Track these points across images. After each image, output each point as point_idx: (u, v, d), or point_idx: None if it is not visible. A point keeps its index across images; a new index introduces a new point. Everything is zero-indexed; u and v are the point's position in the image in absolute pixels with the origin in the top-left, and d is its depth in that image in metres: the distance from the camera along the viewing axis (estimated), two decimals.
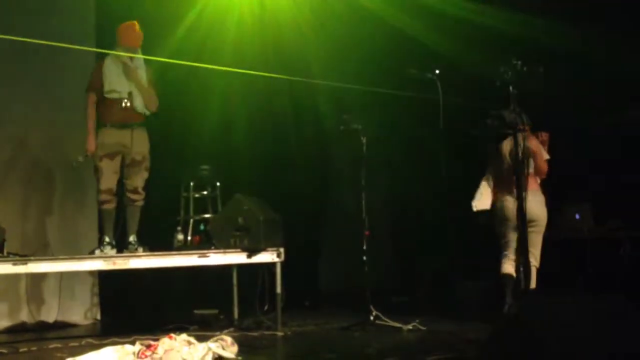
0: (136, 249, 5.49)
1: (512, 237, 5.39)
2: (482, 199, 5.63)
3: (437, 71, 5.52)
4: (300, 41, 6.94)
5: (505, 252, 5.45)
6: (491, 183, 5.67)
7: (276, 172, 7.27)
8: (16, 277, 5.67)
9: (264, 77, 5.96)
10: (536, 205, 5.27)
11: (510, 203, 5.34)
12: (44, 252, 5.83)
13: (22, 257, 5.17)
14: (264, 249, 5.40)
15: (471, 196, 5.68)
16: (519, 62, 4.66)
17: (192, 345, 4.22)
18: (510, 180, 5.19)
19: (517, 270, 5.18)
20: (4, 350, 4.83)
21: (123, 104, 5.53)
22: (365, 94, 6.59)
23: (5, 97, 5.98)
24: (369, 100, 6.84)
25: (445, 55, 6.36)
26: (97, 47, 6.09)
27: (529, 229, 4.98)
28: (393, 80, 6.28)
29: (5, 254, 5.12)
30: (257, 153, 7.17)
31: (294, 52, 6.91)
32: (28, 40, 5.01)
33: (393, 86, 6.17)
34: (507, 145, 5.48)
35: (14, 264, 4.94)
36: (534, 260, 5.24)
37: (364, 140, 5.63)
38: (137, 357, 4.12)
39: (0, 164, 5.98)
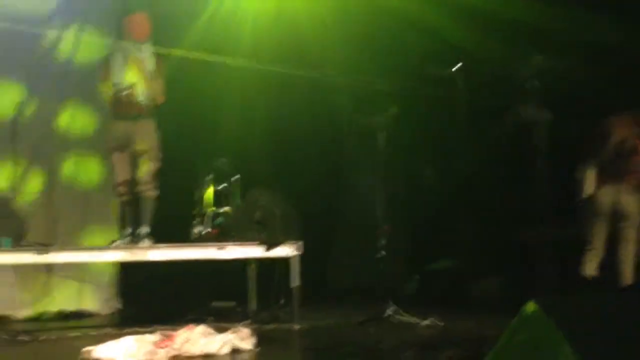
0: (141, 241, 5.50)
1: (601, 231, 5.24)
2: (588, 185, 5.37)
3: (457, 66, 5.48)
4: (317, 35, 6.93)
5: (591, 247, 5.30)
6: (593, 173, 5.41)
7: (293, 166, 7.28)
8: (37, 266, 5.74)
9: (282, 72, 5.98)
10: (633, 200, 5.12)
11: (607, 196, 5.21)
12: (64, 242, 5.91)
13: (44, 246, 5.23)
14: (281, 243, 5.42)
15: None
16: (541, 56, 4.62)
17: (210, 337, 4.26)
18: (611, 173, 5.06)
19: (600, 266, 5.06)
20: (25, 339, 4.89)
21: (125, 96, 5.57)
22: (384, 89, 6.58)
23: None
24: (387, 95, 6.82)
25: (467, 49, 6.30)
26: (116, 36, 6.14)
27: (623, 224, 4.89)
28: (413, 74, 6.25)
29: (27, 243, 5.19)
30: (275, 147, 7.19)
31: (311, 46, 6.90)
32: None
33: (413, 81, 6.15)
34: (617, 135, 5.28)
35: (36, 254, 5.00)
36: (629, 256, 5.11)
37: (382, 135, 5.63)
38: (157, 347, 4.17)
39: (26, 152, 6.04)
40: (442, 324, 5.20)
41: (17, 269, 5.77)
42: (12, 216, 5.12)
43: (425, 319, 5.26)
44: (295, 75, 6.15)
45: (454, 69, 5.65)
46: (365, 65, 7.03)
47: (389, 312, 5.37)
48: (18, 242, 5.01)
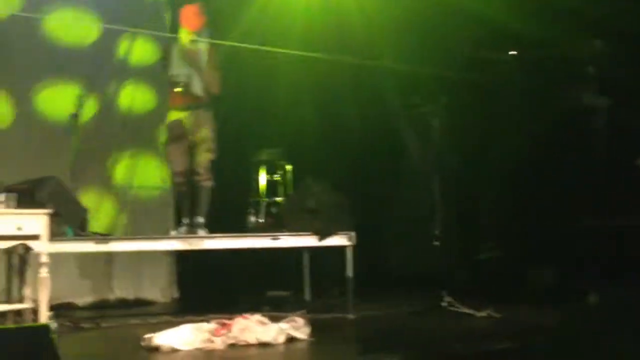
0: (198, 231, 5.56)
1: None
2: None
3: (511, 53, 5.37)
4: (366, 22, 6.86)
5: None
6: None
7: (345, 155, 7.27)
8: (98, 255, 5.90)
9: (333, 60, 5.96)
10: None
11: None
12: (123, 231, 6.07)
13: (104, 236, 5.37)
14: (335, 233, 5.44)
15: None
16: (600, 41, 4.48)
17: (265, 326, 4.32)
18: None
19: None
20: (87, 325, 5.05)
21: (180, 87, 5.64)
22: (435, 76, 6.48)
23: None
24: (439, 81, 6.73)
25: (522, 34, 6.15)
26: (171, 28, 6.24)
27: None
28: (465, 60, 6.15)
29: (87, 232, 5.33)
30: (327, 136, 7.19)
31: (360, 34, 6.84)
32: None
33: (465, 67, 6.04)
34: None
35: (97, 243, 5.13)
36: None
37: (434, 122, 5.57)
38: (214, 335, 4.24)
39: (84, 140, 6.22)
40: (499, 315, 5.14)
41: (78, 257, 5.94)
42: (74, 206, 5.26)
43: (480, 310, 5.21)
44: (345, 63, 6.11)
45: (508, 54, 5.54)
46: (417, 52, 6.94)
47: (444, 302, 5.34)
48: (80, 231, 5.15)
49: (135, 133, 6.52)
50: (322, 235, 5.43)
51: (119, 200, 6.39)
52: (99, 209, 6.19)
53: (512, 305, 5.48)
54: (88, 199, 5.98)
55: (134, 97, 6.52)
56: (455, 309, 5.30)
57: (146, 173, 6.58)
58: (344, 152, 7.28)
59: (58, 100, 6.10)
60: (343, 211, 5.61)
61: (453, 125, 6.93)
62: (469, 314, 5.21)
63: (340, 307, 5.47)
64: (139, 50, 6.53)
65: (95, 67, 6.31)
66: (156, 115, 6.38)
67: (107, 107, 6.40)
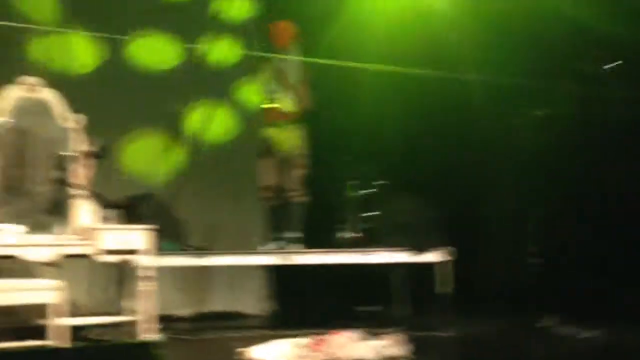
0: (292, 246, 5.62)
1: None
2: None
3: (613, 65, 5.17)
4: (454, 34, 6.77)
5: None
6: None
7: (437, 170, 7.16)
8: (195, 267, 6.03)
9: (422, 74, 5.91)
10: None
11: None
12: (217, 245, 6.17)
13: (203, 250, 5.50)
14: (429, 249, 5.38)
15: None
16: None
17: (363, 342, 4.29)
18: None
19: None
20: (186, 337, 5.16)
21: (269, 104, 5.68)
22: (528, 88, 6.31)
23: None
24: (532, 94, 6.55)
25: (624, 44, 5.89)
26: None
27: None
28: (560, 72, 5.96)
29: (186, 246, 5.48)
30: (418, 151, 7.11)
31: (448, 46, 6.74)
32: None
33: (560, 79, 5.86)
34: None
35: (197, 257, 5.27)
36: None
37: (528, 136, 5.43)
38: (309, 351, 4.25)
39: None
40: (603, 335, 4.94)
41: (175, 269, 6.08)
42: (172, 221, 5.42)
43: (583, 329, 5.02)
44: (433, 76, 6.05)
45: (607, 67, 5.33)
46: (508, 63, 6.79)
47: (545, 321, 5.17)
48: (179, 246, 5.30)
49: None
50: (417, 251, 5.38)
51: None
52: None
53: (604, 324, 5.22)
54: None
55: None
56: (556, 329, 5.13)
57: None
58: (435, 166, 7.16)
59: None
60: (437, 227, 5.56)
61: (548, 139, 6.74)
62: (570, 334, 5.04)
63: (436, 324, 5.38)
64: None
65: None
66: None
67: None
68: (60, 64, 5.91)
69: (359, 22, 6.67)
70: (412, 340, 4.48)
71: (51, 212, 4.37)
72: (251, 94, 6.43)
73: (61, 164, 4.31)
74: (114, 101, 5.91)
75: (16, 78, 4.41)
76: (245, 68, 6.48)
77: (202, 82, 6.39)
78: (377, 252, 5.48)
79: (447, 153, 7.18)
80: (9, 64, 5.34)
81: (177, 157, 6.36)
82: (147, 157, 6.24)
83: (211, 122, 6.47)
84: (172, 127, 6.36)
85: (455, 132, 7.20)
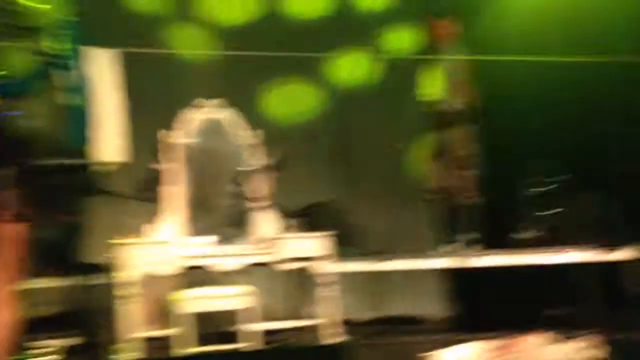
0: (470, 248, 5.49)
1: None
2: None
3: None
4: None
5: None
6: None
7: (621, 161, 6.67)
8: (371, 272, 6.07)
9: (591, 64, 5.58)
10: None
11: None
12: (391, 249, 6.18)
13: (380, 254, 5.53)
14: (621, 246, 5.04)
15: None
16: None
17: (557, 345, 4.10)
18: None
19: None
20: (368, 341, 5.19)
21: (432, 105, 5.60)
22: None
23: None
24: None
25: None
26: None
27: None
28: None
29: (362, 251, 5.55)
30: (597, 143, 6.66)
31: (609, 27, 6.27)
32: None
33: None
34: None
35: (377, 261, 5.31)
36: None
37: None
38: (498, 356, 4.12)
39: (356, 167, 6.47)
40: None
41: (353, 274, 6.16)
42: (348, 228, 5.52)
43: None
44: (597, 63, 5.68)
45: None
46: None
47: None
48: (356, 251, 5.38)
49: None
50: (609, 249, 5.06)
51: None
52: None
53: None
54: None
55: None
56: None
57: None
58: (618, 158, 6.68)
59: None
60: (626, 221, 5.19)
61: None
62: None
63: (631, 325, 5.00)
64: None
65: None
66: None
67: None
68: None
69: (510, 14, 6.48)
70: (608, 342, 4.22)
71: (233, 225, 4.60)
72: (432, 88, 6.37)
73: (240, 178, 4.52)
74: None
75: (195, 101, 4.70)
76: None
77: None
78: (563, 251, 5.21)
79: (629, 142, 6.68)
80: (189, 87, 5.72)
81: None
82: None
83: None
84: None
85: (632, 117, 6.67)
